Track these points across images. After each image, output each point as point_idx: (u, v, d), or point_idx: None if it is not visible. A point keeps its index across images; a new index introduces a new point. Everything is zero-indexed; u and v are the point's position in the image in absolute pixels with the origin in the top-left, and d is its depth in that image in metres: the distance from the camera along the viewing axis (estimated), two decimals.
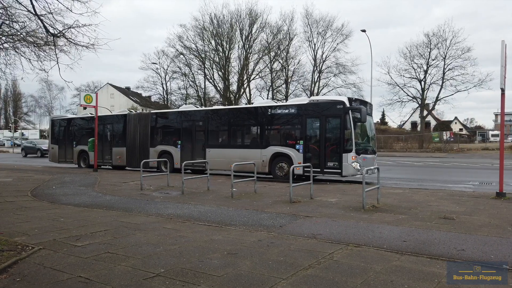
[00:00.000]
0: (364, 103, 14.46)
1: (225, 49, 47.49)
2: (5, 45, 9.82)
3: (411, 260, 4.72)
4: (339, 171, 13.03)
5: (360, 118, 12.96)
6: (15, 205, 8.94)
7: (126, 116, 19.53)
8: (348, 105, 13.00)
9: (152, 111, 20.41)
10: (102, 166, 20.16)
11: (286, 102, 16.66)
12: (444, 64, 43.87)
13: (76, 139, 21.18)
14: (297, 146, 13.94)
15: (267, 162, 14.50)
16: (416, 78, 45.67)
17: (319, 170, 13.30)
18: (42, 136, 73.80)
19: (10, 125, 66.03)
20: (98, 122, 19.31)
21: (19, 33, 9.37)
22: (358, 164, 12.95)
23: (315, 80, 47.99)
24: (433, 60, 44.48)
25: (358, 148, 13.21)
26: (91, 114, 21.23)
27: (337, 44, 46.71)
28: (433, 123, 69.07)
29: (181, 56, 48.42)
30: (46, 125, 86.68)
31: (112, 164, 19.76)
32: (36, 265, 4.58)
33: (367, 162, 13.41)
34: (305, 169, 13.27)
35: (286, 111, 14.55)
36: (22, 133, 66.51)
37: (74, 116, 25.05)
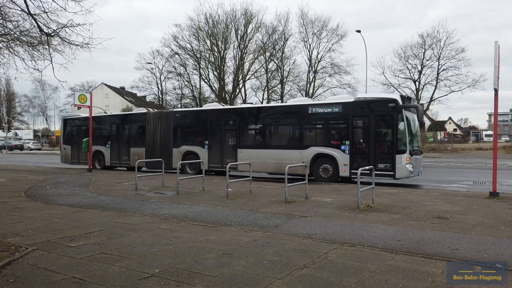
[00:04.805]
0: (409, 99, 13.64)
1: (220, 49, 47.46)
2: None
3: (406, 259, 4.74)
4: (392, 173, 12.30)
5: (417, 116, 12.45)
6: (8, 205, 8.87)
7: (145, 114, 18.64)
8: (401, 103, 12.40)
9: (174, 110, 19.52)
10: (118, 168, 19.60)
11: (328, 100, 15.45)
12: (438, 65, 44.32)
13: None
14: (343, 147, 13.22)
15: (308, 163, 13.52)
16: (410, 79, 46.06)
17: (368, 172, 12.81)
18: (35, 136, 73.34)
19: (4, 125, 65.52)
20: (115, 121, 19.46)
21: (12, 32, 9.29)
22: (411, 166, 12.34)
23: (310, 80, 48.13)
24: (428, 60, 44.94)
25: (411, 148, 12.61)
26: (105, 112, 21.21)
27: (332, 44, 46.90)
28: (427, 123, 69.44)
29: (176, 56, 48.37)
30: (40, 125, 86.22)
31: (130, 165, 18.49)
32: (29, 265, 4.54)
33: (418, 163, 12.94)
34: (352, 170, 12.64)
35: (329, 109, 13.74)
36: (16, 133, 66.06)
37: (87, 115, 24.25)
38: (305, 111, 14.31)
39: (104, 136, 19.95)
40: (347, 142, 13.17)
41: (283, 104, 16.81)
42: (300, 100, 16.73)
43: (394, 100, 12.53)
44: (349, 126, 13.23)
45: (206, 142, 16.42)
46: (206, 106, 19.09)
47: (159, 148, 17.80)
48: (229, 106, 20.62)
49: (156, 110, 20.20)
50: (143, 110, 19.83)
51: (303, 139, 14.29)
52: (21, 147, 55.90)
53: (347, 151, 13.14)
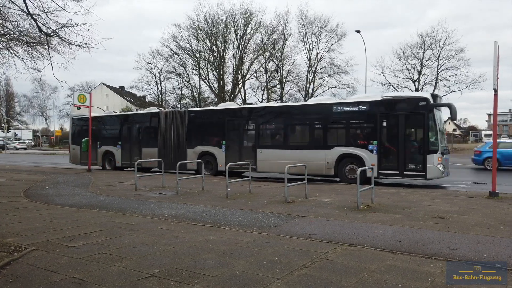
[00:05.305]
0: (436, 97, 13.41)
1: (219, 49, 47.39)
2: None
3: (405, 259, 4.75)
4: (423, 173, 11.99)
5: (451, 115, 12.25)
6: (8, 205, 8.87)
7: (157, 114, 18.20)
8: (432, 101, 12.14)
9: (189, 109, 19.14)
10: (129, 168, 19.00)
11: (353, 98, 15.02)
12: (438, 65, 44.25)
13: (100, 139, 19.69)
14: (370, 147, 12.83)
15: (333, 164, 13.42)
16: (410, 79, 46.01)
17: (398, 173, 12.37)
18: (35, 136, 73.27)
19: (3, 125, 65.52)
20: (126, 121, 19.33)
21: (12, 32, 9.29)
22: (442, 166, 12.13)
23: (310, 80, 48.06)
24: (427, 60, 44.84)
25: (442, 148, 12.34)
26: (114, 112, 21.13)
27: (332, 44, 46.77)
28: None
29: (176, 56, 48.24)
30: (39, 125, 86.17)
31: (142, 166, 17.47)
32: (29, 266, 4.54)
33: (447, 163, 12.84)
34: (380, 171, 12.46)
35: (356, 108, 13.34)
36: (15, 133, 66.10)
37: (96, 114, 23.09)
38: (329, 110, 13.95)
39: (114, 136, 19.59)
40: (375, 142, 12.81)
41: (307, 102, 16.31)
42: (324, 99, 16.21)
43: (425, 99, 12.26)
44: (377, 125, 12.89)
45: (223, 142, 15.94)
46: (223, 105, 18.48)
47: (173, 148, 17.36)
48: (248, 105, 20.10)
49: (168, 109, 19.97)
50: (155, 109, 19.36)
51: (328, 139, 13.88)
52: (2, 147, 54.96)
53: (374, 151, 12.77)
